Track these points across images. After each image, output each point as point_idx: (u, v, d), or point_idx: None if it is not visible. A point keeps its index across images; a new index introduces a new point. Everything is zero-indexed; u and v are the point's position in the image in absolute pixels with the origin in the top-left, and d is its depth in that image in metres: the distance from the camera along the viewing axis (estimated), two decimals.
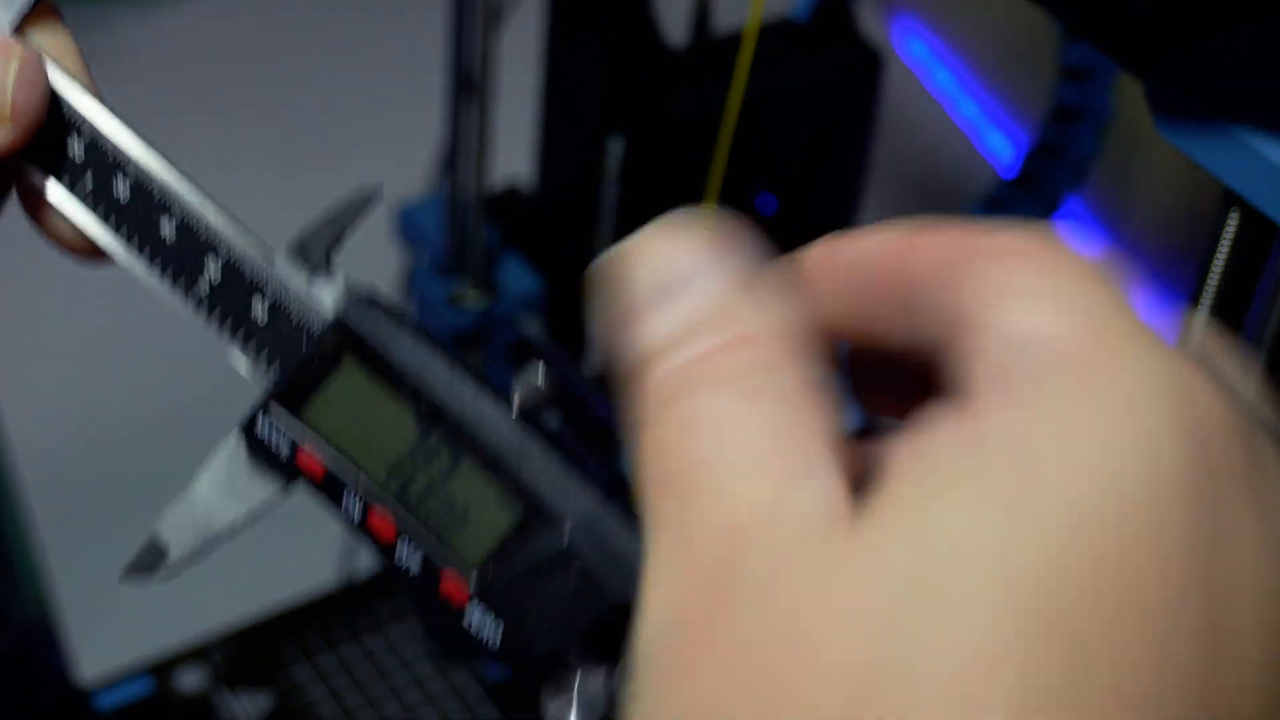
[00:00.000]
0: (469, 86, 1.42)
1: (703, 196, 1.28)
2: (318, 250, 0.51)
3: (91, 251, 0.53)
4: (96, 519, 1.72)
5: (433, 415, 0.49)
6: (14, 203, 0.55)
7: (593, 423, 0.50)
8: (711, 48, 1.41)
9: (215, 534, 0.53)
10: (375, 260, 1.15)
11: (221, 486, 0.52)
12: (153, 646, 1.45)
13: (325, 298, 0.51)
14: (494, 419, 0.49)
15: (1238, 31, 0.85)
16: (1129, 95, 1.23)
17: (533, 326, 1.45)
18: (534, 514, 0.48)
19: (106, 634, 1.55)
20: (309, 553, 1.64)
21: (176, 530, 0.53)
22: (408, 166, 1.66)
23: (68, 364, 1.86)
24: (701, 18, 1.42)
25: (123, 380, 1.83)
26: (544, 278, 1.47)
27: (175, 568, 0.53)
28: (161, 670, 1.42)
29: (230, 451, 0.52)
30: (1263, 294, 0.84)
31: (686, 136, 1.31)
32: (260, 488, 0.52)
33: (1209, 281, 0.85)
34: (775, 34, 1.40)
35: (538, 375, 0.50)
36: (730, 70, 1.24)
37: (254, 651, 1.44)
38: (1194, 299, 0.86)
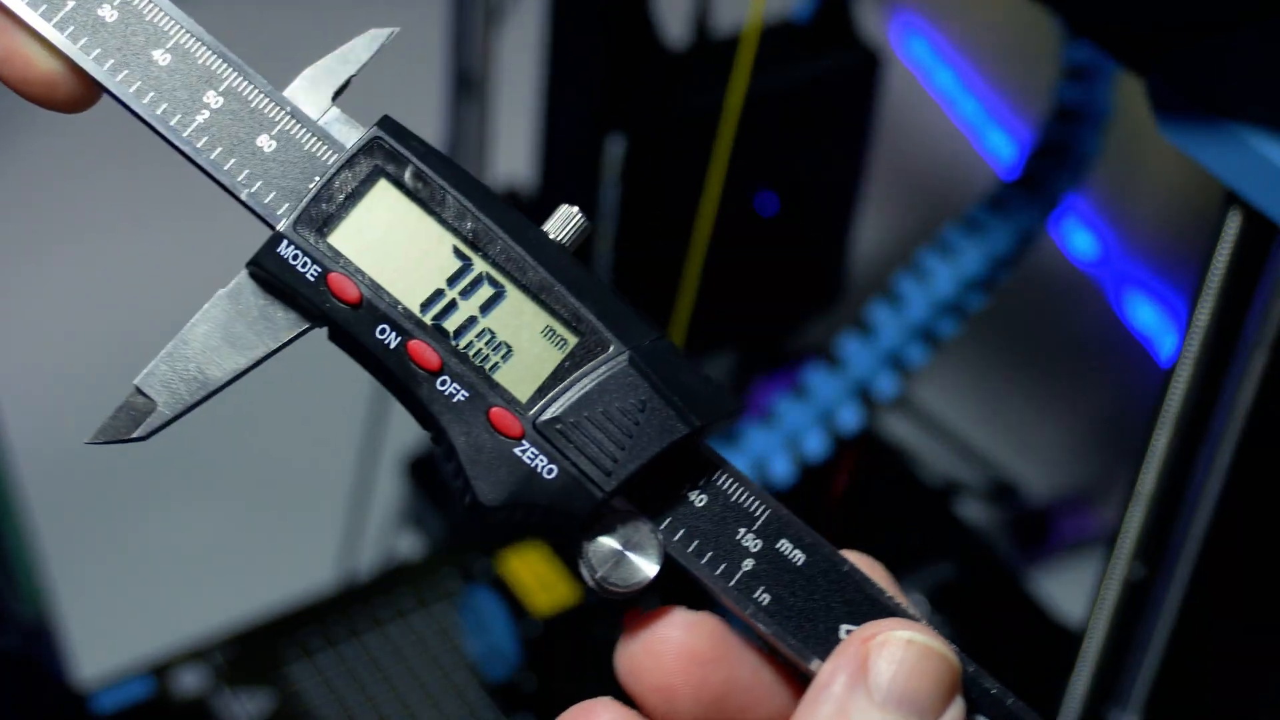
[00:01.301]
0: (469, 85, 1.42)
1: (702, 196, 1.28)
2: (324, 91, 0.48)
3: (64, 92, 0.47)
4: (96, 519, 1.72)
5: (477, 240, 0.46)
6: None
7: None
8: (711, 48, 1.41)
9: (211, 387, 0.47)
10: None
11: (219, 336, 0.47)
12: (153, 646, 1.45)
13: (336, 131, 0.47)
14: (544, 245, 0.46)
15: (1238, 31, 0.85)
16: (1129, 95, 1.23)
17: None
18: (590, 344, 0.46)
19: (106, 634, 1.55)
20: (309, 553, 1.64)
21: (165, 383, 0.47)
22: None
23: (68, 364, 1.86)
24: (701, 18, 1.42)
25: (123, 380, 1.83)
26: None
27: (163, 423, 0.47)
28: (161, 670, 1.42)
29: (228, 298, 0.47)
30: (1263, 294, 0.84)
31: (686, 136, 1.31)
32: (265, 335, 0.47)
33: (1209, 281, 0.85)
34: (775, 34, 1.40)
35: (571, 214, 0.47)
36: (730, 70, 1.24)
37: (254, 651, 1.44)
38: (1194, 299, 0.86)
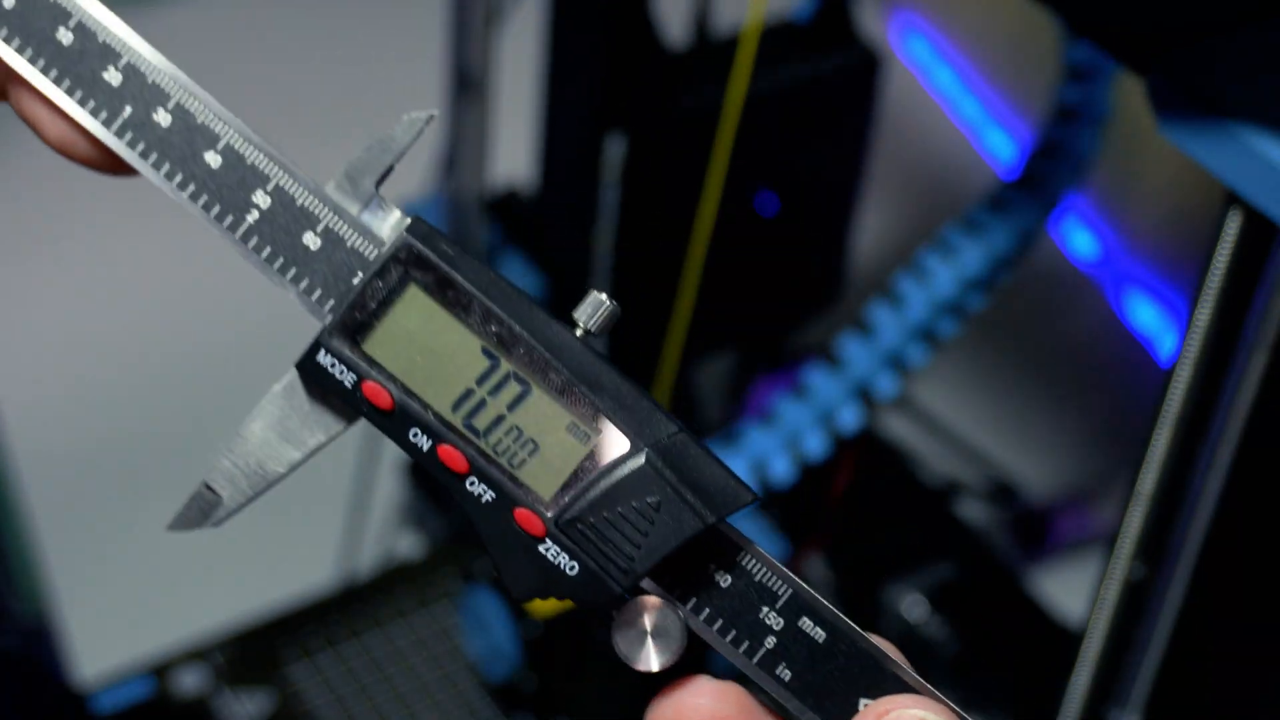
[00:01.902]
0: (469, 86, 1.42)
1: (703, 196, 1.28)
2: (368, 180, 0.50)
3: (113, 161, 0.50)
4: (96, 519, 1.72)
5: (502, 342, 0.48)
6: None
7: None
8: (711, 48, 1.41)
9: (270, 479, 0.51)
10: None
11: (275, 431, 0.50)
12: (153, 646, 1.45)
13: (379, 226, 0.49)
14: (566, 345, 0.48)
15: (1238, 31, 0.85)
16: (1129, 95, 1.23)
17: None
18: (610, 441, 0.48)
19: (106, 634, 1.55)
20: (309, 553, 1.64)
21: (230, 478, 0.51)
22: (407, 167, 1.65)
23: (68, 364, 1.86)
24: (701, 18, 1.42)
25: (123, 380, 1.83)
26: (544, 277, 1.47)
27: (228, 515, 0.51)
28: (161, 670, 1.42)
29: (282, 394, 0.50)
30: (1263, 294, 0.84)
31: (686, 136, 1.31)
32: (317, 429, 0.50)
33: (1209, 281, 0.85)
34: (775, 34, 1.40)
35: (601, 301, 0.49)
36: (730, 70, 1.24)
37: (254, 651, 1.44)
38: (1194, 299, 0.86)
